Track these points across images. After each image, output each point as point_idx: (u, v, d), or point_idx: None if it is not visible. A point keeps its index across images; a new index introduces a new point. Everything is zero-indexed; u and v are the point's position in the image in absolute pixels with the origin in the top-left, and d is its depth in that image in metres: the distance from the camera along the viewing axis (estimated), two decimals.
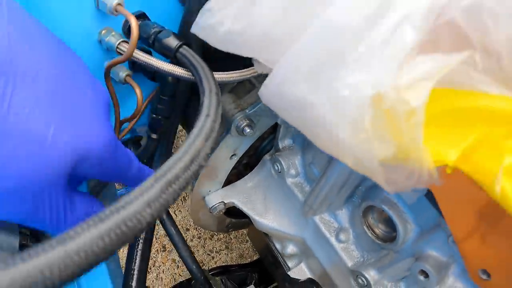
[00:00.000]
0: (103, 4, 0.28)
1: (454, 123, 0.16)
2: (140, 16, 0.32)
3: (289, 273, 0.38)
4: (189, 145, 0.19)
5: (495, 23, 0.13)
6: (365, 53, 0.14)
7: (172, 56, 0.29)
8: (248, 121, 0.36)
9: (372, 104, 0.14)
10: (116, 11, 0.28)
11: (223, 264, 0.54)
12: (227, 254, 0.62)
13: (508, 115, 0.14)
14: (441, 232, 0.28)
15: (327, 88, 0.16)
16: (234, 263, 0.55)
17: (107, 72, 0.30)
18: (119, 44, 0.29)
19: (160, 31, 0.30)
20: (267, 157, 0.42)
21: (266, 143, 0.44)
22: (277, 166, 0.40)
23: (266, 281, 0.50)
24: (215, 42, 0.23)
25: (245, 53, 0.22)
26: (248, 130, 0.37)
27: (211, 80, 0.25)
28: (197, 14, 0.31)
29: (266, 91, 0.22)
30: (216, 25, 0.21)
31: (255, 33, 0.20)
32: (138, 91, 0.31)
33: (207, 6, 0.22)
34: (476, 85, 0.15)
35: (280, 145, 0.41)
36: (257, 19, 0.20)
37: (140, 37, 0.30)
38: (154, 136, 0.34)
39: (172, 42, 0.29)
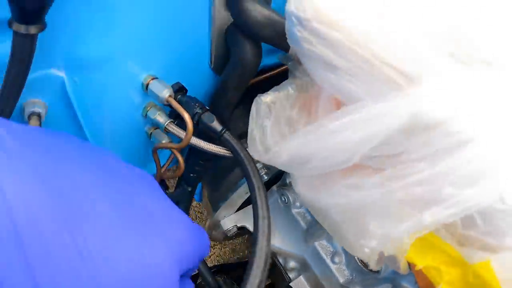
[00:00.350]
0: (154, 94, 0.31)
1: (424, 244, 0.25)
2: (179, 90, 0.34)
3: (290, 284, 0.48)
4: (260, 250, 0.26)
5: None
6: (381, 233, 0.23)
7: (216, 139, 0.33)
8: (266, 170, 0.42)
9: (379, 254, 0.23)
10: (167, 101, 0.31)
11: (218, 263, 0.63)
12: (221, 249, 0.70)
13: (447, 254, 0.24)
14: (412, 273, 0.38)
15: (354, 235, 0.25)
16: (228, 257, 0.64)
17: (155, 150, 0.33)
18: (167, 125, 0.33)
19: (202, 113, 0.33)
20: (274, 188, 0.49)
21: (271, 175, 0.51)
22: (284, 198, 0.48)
23: None
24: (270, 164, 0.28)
25: (298, 174, 0.28)
26: (266, 177, 0.43)
27: (256, 174, 0.31)
28: (233, 91, 0.35)
29: (307, 201, 0.29)
30: (274, 158, 0.27)
31: (310, 167, 0.26)
32: (181, 160, 0.35)
33: (267, 143, 0.27)
34: (441, 236, 0.24)
35: (287, 180, 0.48)
36: (308, 155, 0.26)
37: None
38: (189, 189, 0.39)
39: (217, 127, 0.33)
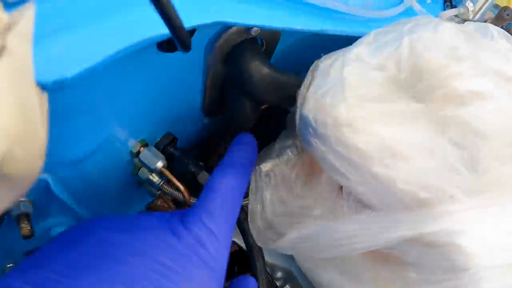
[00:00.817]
0: (145, 164, 0.28)
1: None
2: (171, 142, 0.32)
3: None
4: None
5: None
6: None
7: None
8: None
9: None
10: (161, 171, 0.29)
11: None
12: None
13: None
14: None
15: None
16: None
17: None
18: (161, 186, 0.31)
19: (197, 172, 0.31)
20: None
21: None
22: None
23: (245, 271, 0.63)
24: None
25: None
26: None
27: (253, 242, 0.31)
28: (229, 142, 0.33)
29: (302, 268, 0.30)
30: (278, 248, 0.27)
31: (310, 254, 0.26)
32: None
33: (267, 217, 0.27)
34: None
35: None
36: (312, 247, 0.26)
37: (175, 170, 0.32)
38: None
39: None
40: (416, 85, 0.22)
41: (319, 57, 0.40)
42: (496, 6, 0.36)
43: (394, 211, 0.22)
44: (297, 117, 0.23)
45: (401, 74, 0.22)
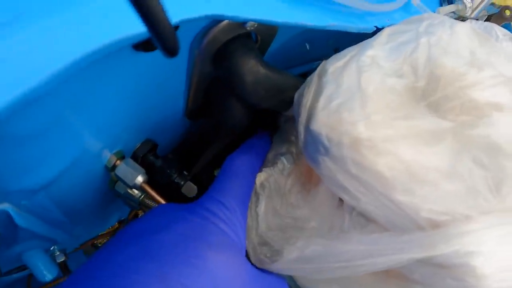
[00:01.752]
0: (122, 180, 0.24)
1: None
2: (151, 150, 0.28)
3: None
4: None
5: None
6: None
7: None
8: None
9: None
10: (141, 187, 0.25)
11: None
12: None
13: None
14: None
15: None
16: None
17: None
18: (141, 200, 0.27)
19: (181, 183, 0.28)
20: None
21: None
22: None
23: None
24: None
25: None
26: None
27: None
28: (216, 150, 0.30)
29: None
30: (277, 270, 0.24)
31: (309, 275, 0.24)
32: None
33: (260, 231, 0.25)
34: None
35: None
36: (313, 269, 0.24)
37: (158, 182, 0.28)
38: None
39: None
40: (432, 94, 0.20)
41: (304, 54, 0.37)
42: (491, 4, 0.35)
43: (404, 230, 0.20)
44: (302, 130, 0.20)
45: (419, 82, 0.19)
